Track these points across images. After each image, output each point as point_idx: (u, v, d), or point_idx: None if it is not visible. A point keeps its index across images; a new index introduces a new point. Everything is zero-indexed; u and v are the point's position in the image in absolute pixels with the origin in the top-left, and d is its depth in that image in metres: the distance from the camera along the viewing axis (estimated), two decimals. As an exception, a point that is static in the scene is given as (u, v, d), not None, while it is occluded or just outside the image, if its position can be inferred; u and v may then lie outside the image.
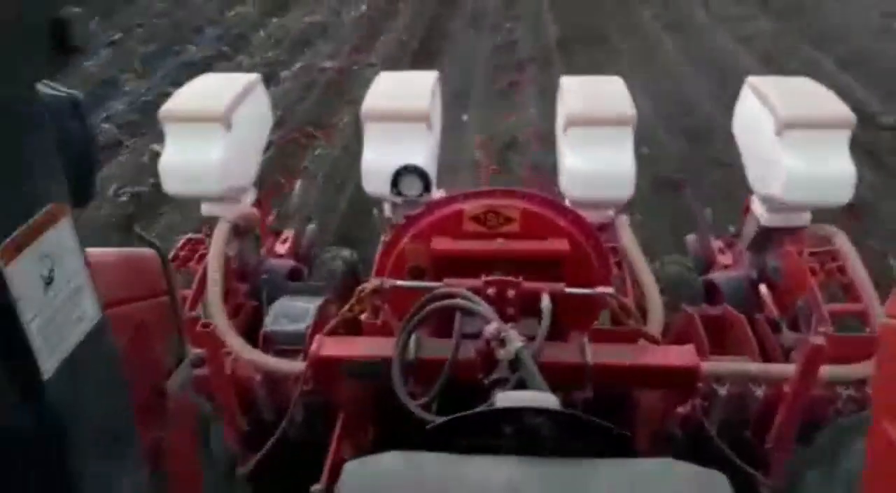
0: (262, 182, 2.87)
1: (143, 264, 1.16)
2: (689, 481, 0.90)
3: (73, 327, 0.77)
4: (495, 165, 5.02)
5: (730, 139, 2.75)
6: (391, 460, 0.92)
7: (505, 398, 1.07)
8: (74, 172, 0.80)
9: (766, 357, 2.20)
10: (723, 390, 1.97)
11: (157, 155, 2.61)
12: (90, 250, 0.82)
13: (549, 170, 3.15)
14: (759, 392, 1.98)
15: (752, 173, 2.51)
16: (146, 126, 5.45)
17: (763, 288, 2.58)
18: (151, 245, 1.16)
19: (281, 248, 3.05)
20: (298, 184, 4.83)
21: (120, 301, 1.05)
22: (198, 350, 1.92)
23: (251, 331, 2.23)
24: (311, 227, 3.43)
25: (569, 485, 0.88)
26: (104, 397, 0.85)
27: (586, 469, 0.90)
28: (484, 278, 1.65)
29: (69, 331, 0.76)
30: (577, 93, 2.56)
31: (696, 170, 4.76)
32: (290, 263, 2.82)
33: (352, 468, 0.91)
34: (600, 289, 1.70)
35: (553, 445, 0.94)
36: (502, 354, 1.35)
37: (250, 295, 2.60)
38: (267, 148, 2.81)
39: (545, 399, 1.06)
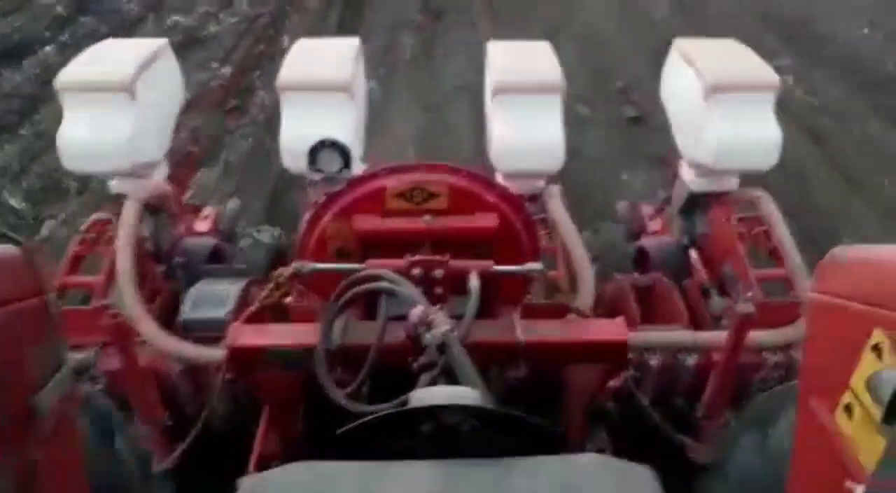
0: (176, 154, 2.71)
1: (5, 263, 1.00)
2: (615, 477, 0.86)
3: None
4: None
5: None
6: (296, 473, 0.83)
7: (420, 396, 1.00)
8: None
9: (697, 324, 2.22)
10: (654, 361, 1.98)
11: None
12: None
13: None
14: (691, 361, 1.99)
15: (681, 138, 2.50)
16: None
17: (693, 254, 2.60)
18: (14, 241, 1.02)
19: (201, 225, 2.90)
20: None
21: None
22: (79, 356, 1.79)
23: (170, 317, 2.11)
24: (234, 202, 3.28)
25: (490, 489, 0.83)
26: None
27: (509, 469, 0.84)
28: (409, 257, 1.58)
29: None
30: (505, 59, 2.48)
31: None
32: (212, 241, 2.68)
33: (249, 485, 0.82)
34: (529, 265, 1.65)
35: (475, 443, 0.89)
36: (429, 338, 1.29)
37: (167, 278, 2.46)
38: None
39: (462, 394, 1.00)
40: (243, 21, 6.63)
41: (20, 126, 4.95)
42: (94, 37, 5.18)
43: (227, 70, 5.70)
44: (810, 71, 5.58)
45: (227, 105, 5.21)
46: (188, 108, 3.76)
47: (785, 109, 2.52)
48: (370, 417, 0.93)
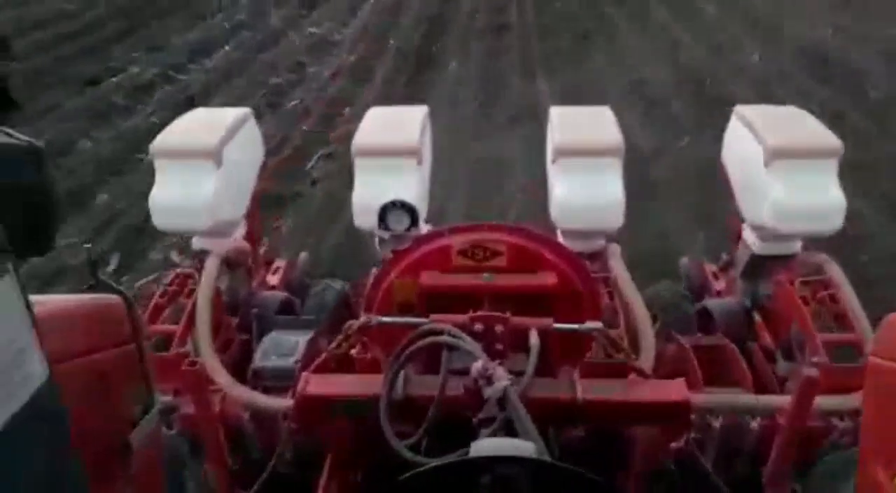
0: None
1: (107, 311, 1.12)
2: None
3: (17, 389, 0.74)
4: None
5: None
6: None
7: (480, 447, 1.04)
8: (28, 222, 0.78)
9: (761, 387, 2.18)
10: (716, 423, 1.95)
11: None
12: (51, 297, 0.80)
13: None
14: (754, 424, 1.96)
15: (743, 202, 2.51)
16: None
17: (756, 316, 2.57)
18: (117, 292, 1.13)
19: (272, 279, 3.04)
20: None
21: (81, 352, 1.02)
22: (166, 398, 1.90)
23: (242, 366, 2.21)
24: (303, 256, 3.42)
25: None
26: (50, 458, 0.82)
27: None
28: (471, 313, 1.64)
29: (12, 393, 0.73)
30: (566, 123, 2.57)
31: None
32: (281, 295, 2.80)
33: None
34: (589, 324, 1.68)
35: None
36: (489, 392, 1.33)
37: (241, 329, 2.58)
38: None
39: (521, 447, 1.04)
40: (361, 29, 8.79)
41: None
42: (251, 43, 8.21)
43: (351, 58, 7.83)
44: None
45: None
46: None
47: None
48: (430, 465, 0.97)
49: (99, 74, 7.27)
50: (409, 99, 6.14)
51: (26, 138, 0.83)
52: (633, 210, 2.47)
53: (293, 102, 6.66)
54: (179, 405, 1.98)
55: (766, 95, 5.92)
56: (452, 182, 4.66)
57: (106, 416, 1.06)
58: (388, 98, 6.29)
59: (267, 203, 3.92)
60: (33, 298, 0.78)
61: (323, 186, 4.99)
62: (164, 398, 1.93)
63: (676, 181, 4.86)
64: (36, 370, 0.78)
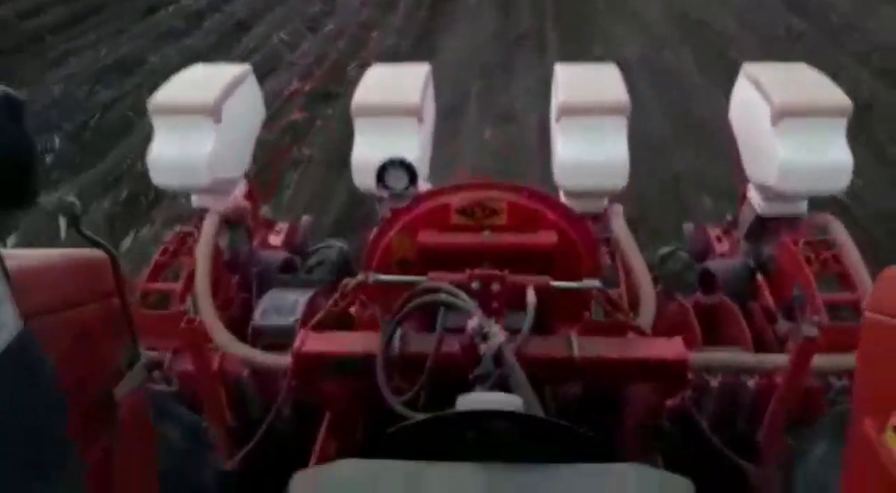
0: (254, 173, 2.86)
1: (90, 265, 1.11)
2: (652, 486, 0.88)
3: None
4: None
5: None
6: (345, 468, 0.88)
7: (465, 402, 1.04)
8: (7, 175, 0.77)
9: (761, 347, 2.18)
10: (714, 382, 1.95)
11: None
12: (33, 251, 0.79)
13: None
14: (752, 383, 1.96)
15: (748, 162, 2.48)
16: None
17: (759, 277, 2.56)
18: (100, 245, 1.12)
19: (275, 239, 3.03)
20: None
21: (63, 305, 1.01)
22: (153, 352, 1.91)
23: (242, 324, 2.22)
24: (306, 218, 3.41)
25: (527, 491, 0.86)
26: (32, 408, 0.82)
27: (546, 476, 0.87)
28: (468, 271, 1.63)
29: None
30: (571, 81, 2.52)
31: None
32: (283, 254, 2.80)
33: (301, 477, 0.88)
34: (587, 282, 1.67)
35: (518, 450, 0.92)
36: (484, 349, 1.33)
37: (241, 287, 2.59)
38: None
39: (508, 401, 1.03)
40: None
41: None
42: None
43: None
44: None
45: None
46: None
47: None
48: (415, 419, 0.97)
49: (155, 4, 8.17)
50: (430, 24, 7.71)
51: (2, 88, 0.81)
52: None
53: (328, 28, 7.68)
54: (167, 361, 1.99)
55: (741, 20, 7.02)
56: (469, 81, 6.09)
57: (89, 370, 1.07)
58: (413, 21, 7.71)
59: (317, 99, 5.80)
60: (14, 252, 0.77)
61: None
62: (151, 353, 1.95)
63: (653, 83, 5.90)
64: (8, 321, 0.77)
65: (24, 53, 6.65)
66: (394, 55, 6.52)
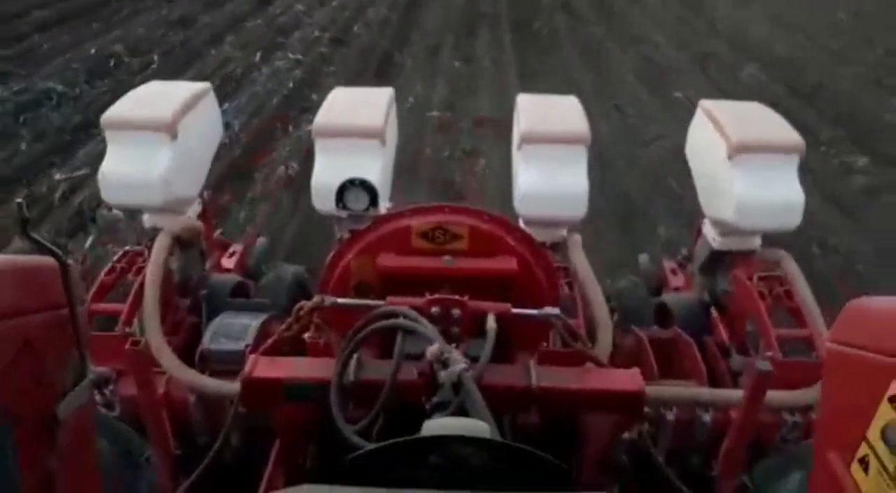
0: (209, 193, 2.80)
1: (37, 273, 1.03)
2: None
3: None
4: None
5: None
6: None
7: (431, 427, 1.01)
8: None
9: (715, 382, 2.19)
10: (670, 416, 1.95)
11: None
12: None
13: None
14: (707, 418, 1.96)
15: (704, 197, 2.52)
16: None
17: (714, 311, 2.59)
18: (51, 252, 1.04)
19: (228, 262, 2.96)
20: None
21: (4, 315, 0.94)
22: (101, 369, 1.82)
23: (191, 349, 2.14)
24: (262, 240, 3.35)
25: None
26: None
27: None
28: (428, 296, 1.60)
29: None
30: (533, 111, 2.54)
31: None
32: (236, 278, 2.73)
33: None
34: (547, 310, 1.66)
35: (483, 476, 0.89)
36: (444, 376, 1.29)
37: (192, 311, 2.50)
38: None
39: (474, 427, 1.00)
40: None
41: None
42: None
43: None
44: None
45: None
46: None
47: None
48: (380, 444, 0.93)
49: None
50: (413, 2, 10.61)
51: None
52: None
53: (335, 3, 10.42)
54: (113, 378, 1.91)
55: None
56: (443, 37, 9.05)
57: (31, 384, 0.99)
58: (396, 6, 10.36)
59: (334, 42, 8.63)
60: None
61: (359, 41, 8.84)
62: (99, 369, 1.86)
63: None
64: None
65: (103, 12, 9.37)
66: (385, 22, 9.55)
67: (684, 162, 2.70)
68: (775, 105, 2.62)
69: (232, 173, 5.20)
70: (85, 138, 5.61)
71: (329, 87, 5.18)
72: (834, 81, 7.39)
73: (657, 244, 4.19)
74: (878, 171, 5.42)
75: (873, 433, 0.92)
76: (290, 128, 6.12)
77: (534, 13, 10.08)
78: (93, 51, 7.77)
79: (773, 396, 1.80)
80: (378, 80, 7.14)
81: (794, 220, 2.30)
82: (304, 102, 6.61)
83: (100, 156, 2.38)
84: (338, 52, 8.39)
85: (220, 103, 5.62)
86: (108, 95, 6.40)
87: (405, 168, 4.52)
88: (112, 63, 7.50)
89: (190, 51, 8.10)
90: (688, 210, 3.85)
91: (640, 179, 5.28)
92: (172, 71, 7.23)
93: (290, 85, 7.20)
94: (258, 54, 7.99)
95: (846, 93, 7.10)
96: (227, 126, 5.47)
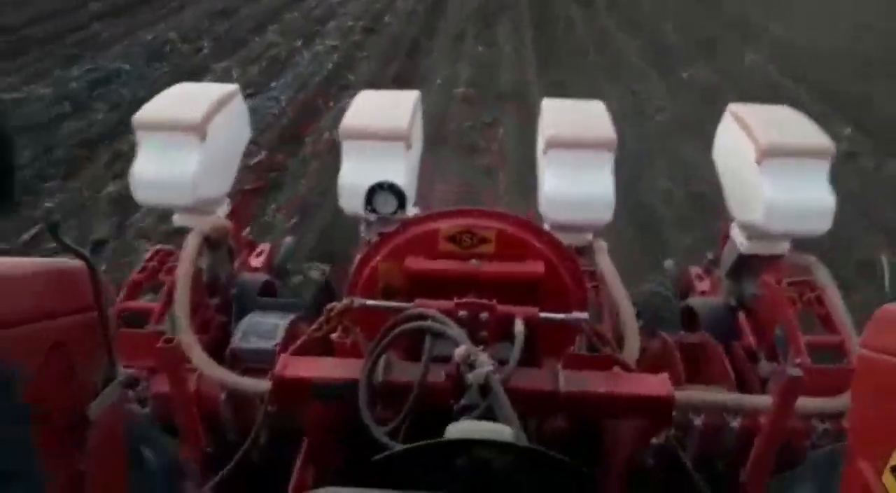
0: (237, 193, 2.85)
1: (66, 276, 1.05)
2: None
3: None
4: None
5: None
6: None
7: (455, 430, 1.01)
8: None
9: (743, 387, 2.18)
10: (698, 421, 1.94)
11: None
12: (4, 259, 0.75)
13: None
14: (735, 423, 1.95)
15: (732, 201, 2.50)
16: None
17: (741, 316, 2.56)
18: (80, 255, 1.06)
19: (255, 261, 2.99)
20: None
21: (35, 317, 0.96)
22: (130, 370, 1.84)
23: (220, 348, 2.17)
24: (288, 240, 3.38)
25: None
26: None
27: None
28: (456, 299, 1.61)
29: None
30: (558, 115, 2.54)
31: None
32: (263, 277, 2.76)
33: None
34: (575, 314, 1.66)
35: (507, 480, 0.89)
36: (471, 378, 1.30)
37: (220, 310, 2.53)
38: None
39: (498, 431, 1.01)
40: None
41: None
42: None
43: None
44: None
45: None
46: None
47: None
48: (405, 447, 0.94)
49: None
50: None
51: None
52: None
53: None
54: (143, 378, 1.94)
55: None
56: (467, 27, 10.02)
57: (62, 385, 1.01)
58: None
59: (367, 31, 9.56)
60: None
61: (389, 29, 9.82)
62: (127, 370, 1.88)
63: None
64: None
65: (153, 4, 10.44)
66: (413, 12, 10.62)
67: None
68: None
69: (284, 139, 6.18)
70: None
71: (363, 69, 7.39)
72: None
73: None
74: (861, 139, 6.28)
75: None
76: (332, 103, 6.89)
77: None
78: (148, 37, 8.93)
79: (803, 403, 1.78)
80: (408, 60, 8.50)
81: (824, 224, 2.27)
82: (341, 80, 7.69)
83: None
84: (370, 39, 9.40)
85: (269, 82, 7.50)
86: (167, 74, 7.44)
87: (434, 137, 5.24)
88: (167, 48, 8.55)
89: (236, 38, 9.14)
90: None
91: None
92: (222, 55, 8.40)
93: (329, 66, 8.12)
94: (299, 41, 9.00)
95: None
96: (275, 100, 6.97)
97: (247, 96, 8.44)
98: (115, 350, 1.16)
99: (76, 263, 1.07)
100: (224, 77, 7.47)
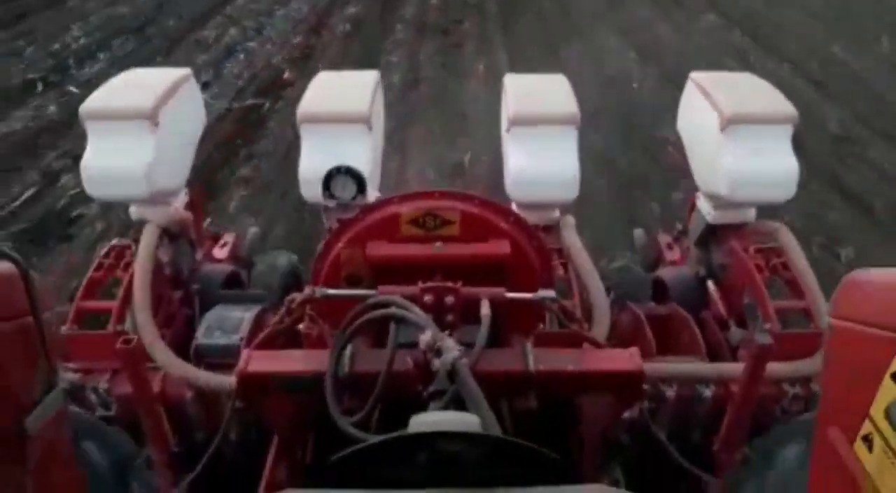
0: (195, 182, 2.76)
1: None
2: None
3: None
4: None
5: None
6: None
7: (419, 422, 0.98)
8: None
9: (714, 356, 2.19)
10: (670, 392, 1.94)
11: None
12: None
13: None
14: (708, 393, 1.95)
15: (697, 170, 2.49)
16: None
17: (710, 285, 2.57)
18: (8, 257, 1.00)
19: (219, 252, 2.92)
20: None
21: None
22: (71, 376, 1.78)
23: (186, 342, 2.12)
24: (254, 230, 3.31)
25: None
26: None
27: None
28: (421, 284, 1.58)
29: None
30: (520, 92, 2.50)
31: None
32: (227, 268, 2.70)
33: None
34: (542, 292, 1.64)
35: (477, 472, 0.87)
36: (437, 364, 1.28)
37: (185, 303, 2.47)
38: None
39: (462, 420, 0.98)
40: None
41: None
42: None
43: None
44: None
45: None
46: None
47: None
48: (365, 443, 0.91)
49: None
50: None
51: None
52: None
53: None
54: (103, 383, 1.88)
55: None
56: None
57: None
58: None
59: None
60: None
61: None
62: (70, 376, 1.83)
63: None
64: None
65: None
66: None
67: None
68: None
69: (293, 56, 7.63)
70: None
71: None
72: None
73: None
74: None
75: (877, 411, 0.90)
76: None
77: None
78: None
79: (773, 368, 1.80)
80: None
81: (788, 191, 2.27)
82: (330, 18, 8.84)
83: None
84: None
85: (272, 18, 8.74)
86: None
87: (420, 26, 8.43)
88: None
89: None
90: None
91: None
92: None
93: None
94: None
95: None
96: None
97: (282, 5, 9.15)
98: (55, 357, 1.10)
99: (6, 266, 1.01)
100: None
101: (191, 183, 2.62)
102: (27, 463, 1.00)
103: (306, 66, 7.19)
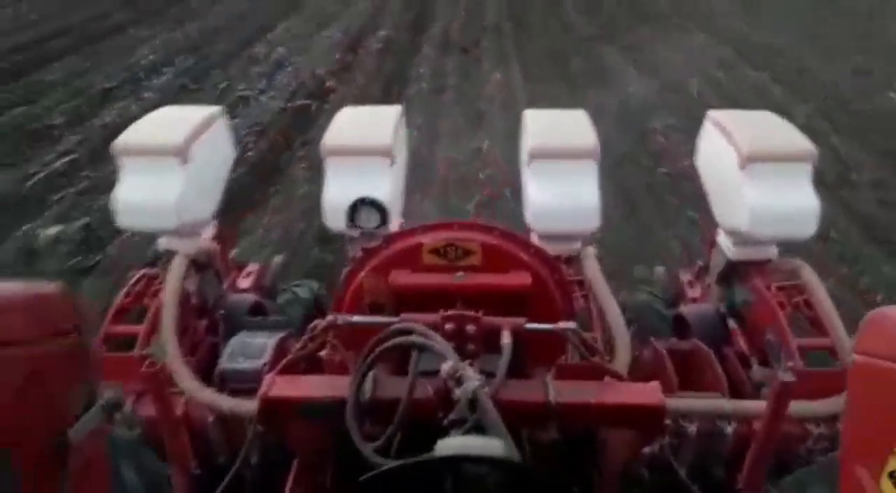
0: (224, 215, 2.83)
1: (44, 299, 1.04)
2: None
3: None
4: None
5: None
6: None
7: (444, 446, 0.99)
8: None
9: (736, 393, 2.16)
10: (692, 428, 1.92)
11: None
12: None
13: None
14: (729, 430, 1.93)
15: (717, 207, 2.50)
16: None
17: (731, 322, 2.56)
18: (58, 281, 1.06)
19: (244, 282, 2.97)
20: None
21: (12, 341, 0.95)
22: (112, 393, 1.82)
23: (210, 369, 2.15)
24: (277, 260, 3.36)
25: None
26: None
27: None
28: (442, 312, 1.60)
29: None
30: (540, 126, 2.55)
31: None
32: (252, 297, 2.74)
33: None
34: (562, 324, 1.64)
35: None
36: (458, 393, 1.29)
37: (209, 332, 2.52)
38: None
39: (487, 446, 0.99)
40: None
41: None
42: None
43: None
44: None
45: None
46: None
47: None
48: (394, 464, 0.92)
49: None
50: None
51: None
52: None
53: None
54: (124, 401, 1.91)
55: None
56: None
57: (41, 411, 0.99)
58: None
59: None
60: None
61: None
62: (110, 395, 1.86)
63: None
64: None
65: None
66: None
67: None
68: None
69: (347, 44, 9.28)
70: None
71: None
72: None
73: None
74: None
75: None
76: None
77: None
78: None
79: (797, 406, 1.77)
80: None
81: (809, 227, 2.27)
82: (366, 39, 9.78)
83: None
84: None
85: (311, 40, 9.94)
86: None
87: (444, 44, 9.66)
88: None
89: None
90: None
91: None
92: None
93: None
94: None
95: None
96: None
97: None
98: (97, 374, 1.14)
99: (54, 285, 1.05)
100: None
101: (219, 215, 2.68)
102: (68, 472, 1.03)
103: (346, 76, 8.12)
